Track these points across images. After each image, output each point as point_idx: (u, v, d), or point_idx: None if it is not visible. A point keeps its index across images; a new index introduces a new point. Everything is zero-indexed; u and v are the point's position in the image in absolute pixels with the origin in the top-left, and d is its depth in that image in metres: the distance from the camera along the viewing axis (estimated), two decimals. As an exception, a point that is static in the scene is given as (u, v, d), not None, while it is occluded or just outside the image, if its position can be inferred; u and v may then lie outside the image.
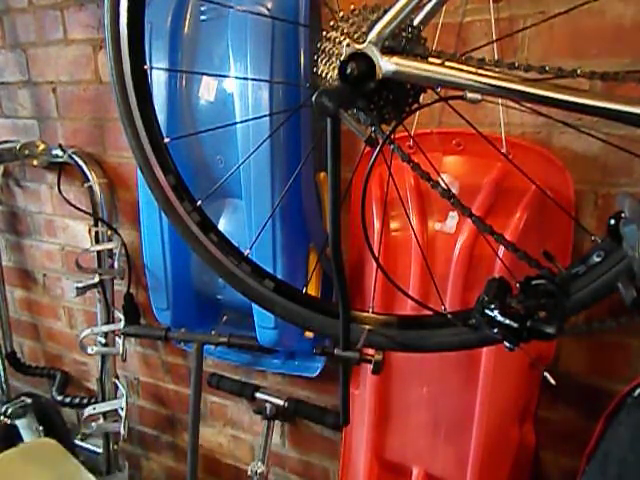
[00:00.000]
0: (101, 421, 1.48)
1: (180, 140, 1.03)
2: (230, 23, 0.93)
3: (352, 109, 0.59)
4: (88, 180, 1.36)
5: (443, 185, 0.57)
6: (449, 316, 0.66)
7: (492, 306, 0.52)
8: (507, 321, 0.51)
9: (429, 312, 0.70)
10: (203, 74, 1.02)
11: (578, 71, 0.52)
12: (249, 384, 1.32)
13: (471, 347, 0.70)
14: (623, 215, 0.51)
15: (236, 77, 0.93)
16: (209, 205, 1.04)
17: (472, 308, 0.58)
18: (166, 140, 0.69)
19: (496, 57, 0.82)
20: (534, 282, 0.52)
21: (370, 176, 0.62)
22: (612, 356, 0.91)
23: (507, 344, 0.52)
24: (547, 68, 0.53)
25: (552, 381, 0.60)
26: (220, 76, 0.99)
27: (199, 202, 0.72)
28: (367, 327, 0.71)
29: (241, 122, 0.92)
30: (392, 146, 0.57)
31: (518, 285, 0.53)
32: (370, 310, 0.74)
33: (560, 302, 0.50)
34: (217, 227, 0.76)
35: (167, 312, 1.19)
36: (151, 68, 1.01)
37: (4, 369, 1.72)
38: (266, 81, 0.89)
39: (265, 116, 0.89)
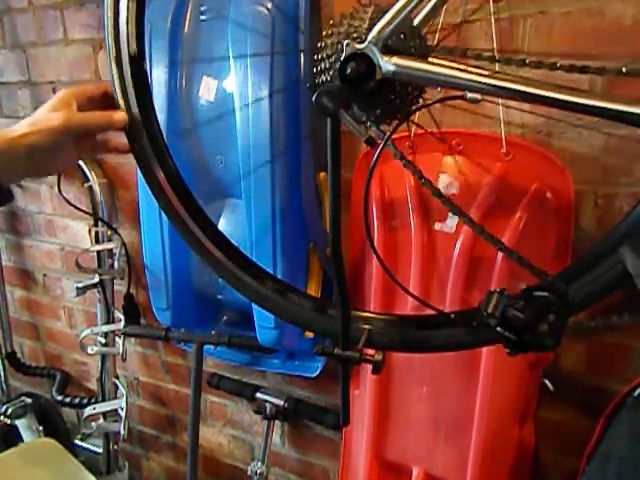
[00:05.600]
0: (101, 421, 1.48)
1: (180, 140, 1.03)
2: (230, 23, 0.93)
3: (352, 109, 0.59)
4: (88, 180, 1.36)
5: (442, 191, 0.57)
6: (452, 316, 0.66)
7: (492, 321, 0.51)
8: (507, 333, 0.51)
9: (429, 312, 0.70)
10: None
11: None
12: (249, 384, 1.32)
13: (472, 347, 0.70)
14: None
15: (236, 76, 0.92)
16: (209, 205, 1.04)
17: (476, 308, 0.58)
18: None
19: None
20: (536, 293, 0.51)
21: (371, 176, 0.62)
22: (612, 356, 0.91)
23: (507, 350, 0.52)
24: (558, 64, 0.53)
25: (551, 387, 0.60)
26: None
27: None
28: (367, 327, 0.71)
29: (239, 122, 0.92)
30: (392, 150, 0.57)
31: (519, 294, 0.52)
32: (370, 310, 0.74)
33: (562, 316, 0.50)
34: (217, 227, 0.76)
35: (167, 312, 1.18)
36: (151, 68, 1.01)
37: (4, 369, 1.72)
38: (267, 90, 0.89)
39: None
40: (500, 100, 0.67)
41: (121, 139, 0.67)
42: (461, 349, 0.68)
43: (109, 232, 1.37)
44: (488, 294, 0.53)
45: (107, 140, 0.69)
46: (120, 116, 0.64)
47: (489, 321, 0.51)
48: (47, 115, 0.60)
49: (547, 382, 0.60)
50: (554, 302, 0.50)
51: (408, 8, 0.54)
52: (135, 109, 0.65)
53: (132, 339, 1.52)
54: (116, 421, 1.49)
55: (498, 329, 0.51)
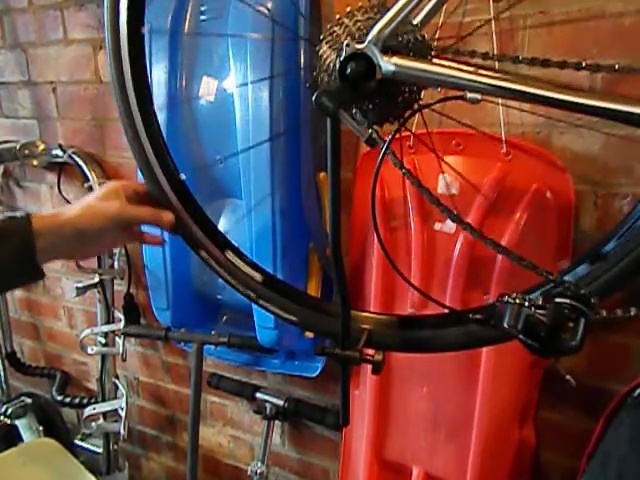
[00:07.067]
0: (101, 421, 1.48)
1: (180, 140, 1.03)
2: (230, 23, 0.93)
3: (352, 109, 0.59)
4: (88, 180, 1.36)
5: (442, 192, 0.57)
6: (470, 315, 0.65)
7: (514, 331, 0.51)
8: (529, 341, 0.50)
9: (429, 312, 0.70)
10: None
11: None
12: (249, 384, 1.32)
13: (472, 347, 0.70)
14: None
15: (236, 81, 0.92)
16: (209, 205, 1.04)
17: (484, 306, 0.57)
18: (182, 177, 0.71)
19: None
20: (558, 300, 0.50)
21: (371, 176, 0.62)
22: (612, 356, 0.90)
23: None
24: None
25: (573, 383, 0.60)
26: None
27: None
28: (367, 327, 0.71)
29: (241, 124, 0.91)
30: (391, 159, 0.57)
31: (539, 301, 0.51)
32: (370, 310, 0.74)
33: (585, 319, 0.50)
34: (217, 227, 0.76)
35: (167, 312, 1.18)
36: (151, 68, 1.01)
37: (4, 369, 1.72)
38: (266, 78, 0.88)
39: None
40: (500, 100, 0.67)
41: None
42: (461, 349, 0.68)
43: (109, 232, 1.37)
44: (506, 304, 0.52)
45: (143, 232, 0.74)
46: (168, 217, 0.69)
47: (511, 331, 0.51)
48: (101, 203, 0.64)
49: (569, 377, 0.60)
50: (577, 307, 0.50)
51: (408, 8, 0.54)
52: (135, 109, 0.65)
53: (132, 339, 1.52)
54: (116, 421, 1.49)
55: (520, 337, 0.50)
